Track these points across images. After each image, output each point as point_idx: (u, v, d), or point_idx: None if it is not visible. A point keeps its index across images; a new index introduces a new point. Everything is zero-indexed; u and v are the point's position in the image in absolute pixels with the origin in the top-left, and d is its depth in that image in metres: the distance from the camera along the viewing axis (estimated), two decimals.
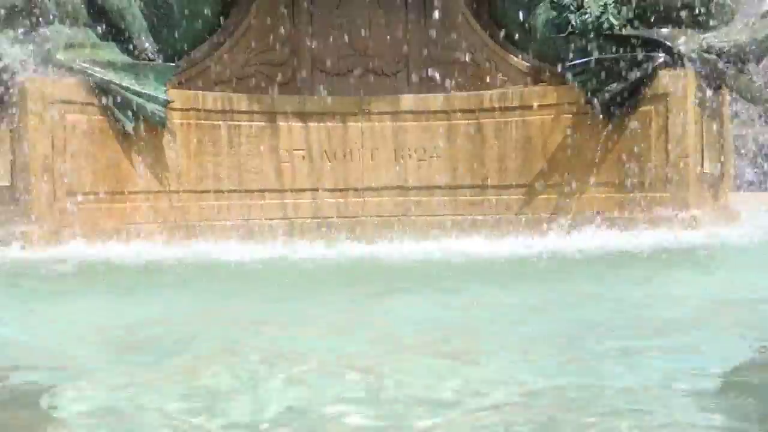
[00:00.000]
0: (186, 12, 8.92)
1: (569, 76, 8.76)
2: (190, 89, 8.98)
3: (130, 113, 8.28)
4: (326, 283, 5.83)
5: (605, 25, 8.61)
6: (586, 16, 8.73)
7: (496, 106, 9.21)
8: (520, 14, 9.19)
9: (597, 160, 8.65)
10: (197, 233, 8.49)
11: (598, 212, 8.52)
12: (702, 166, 8.55)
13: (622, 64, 8.44)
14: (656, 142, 8.36)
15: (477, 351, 3.63)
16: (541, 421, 2.61)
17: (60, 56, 7.99)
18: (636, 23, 8.56)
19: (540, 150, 8.98)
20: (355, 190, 9.35)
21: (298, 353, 3.54)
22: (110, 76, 8.22)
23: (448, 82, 9.43)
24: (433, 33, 9.45)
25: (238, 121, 9.09)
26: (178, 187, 8.71)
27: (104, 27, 8.57)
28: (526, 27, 9.21)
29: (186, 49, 9.07)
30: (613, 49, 8.57)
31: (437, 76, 9.47)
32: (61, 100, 7.92)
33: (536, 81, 9.22)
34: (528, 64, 9.30)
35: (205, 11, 9.10)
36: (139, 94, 8.31)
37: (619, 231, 8.05)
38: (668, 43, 8.34)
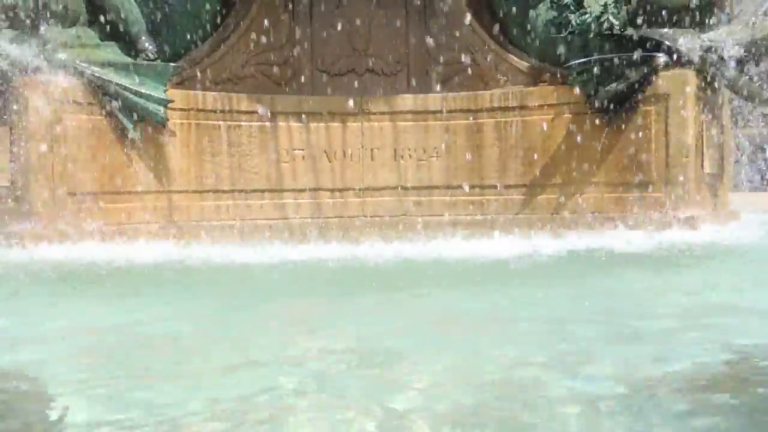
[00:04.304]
0: (186, 12, 8.93)
1: (569, 76, 8.77)
2: (190, 89, 8.99)
3: (130, 113, 8.29)
4: (335, 285, 5.82)
5: (605, 25, 8.61)
6: (586, 15, 8.74)
7: (496, 106, 9.21)
8: (521, 14, 9.19)
9: (597, 160, 8.65)
10: (197, 233, 8.49)
11: (597, 212, 8.52)
12: (702, 166, 8.55)
13: (622, 64, 8.44)
14: (656, 142, 8.36)
15: None
16: None
17: (60, 56, 7.98)
18: (636, 23, 8.56)
19: (540, 150, 8.98)
20: (355, 190, 9.35)
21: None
22: (110, 76, 8.22)
23: (448, 82, 9.43)
24: (433, 33, 9.46)
25: (238, 121, 9.10)
26: (178, 187, 8.72)
27: (104, 27, 8.57)
28: (526, 27, 9.20)
29: (186, 49, 9.07)
30: (613, 49, 8.57)
31: (437, 76, 9.47)
32: (61, 100, 7.91)
33: (536, 81, 9.21)
34: (528, 64, 9.29)
35: (205, 11, 9.12)
36: (138, 94, 8.32)
37: (619, 231, 8.03)
38: (668, 43, 8.33)
